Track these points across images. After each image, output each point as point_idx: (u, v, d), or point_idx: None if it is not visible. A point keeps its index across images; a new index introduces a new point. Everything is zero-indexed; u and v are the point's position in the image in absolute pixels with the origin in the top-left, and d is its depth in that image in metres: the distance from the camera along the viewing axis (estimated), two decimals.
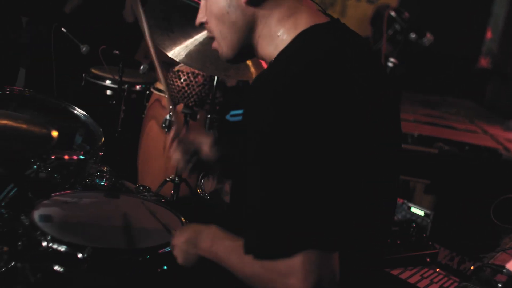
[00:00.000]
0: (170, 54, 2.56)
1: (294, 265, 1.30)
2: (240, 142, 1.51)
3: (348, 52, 1.49)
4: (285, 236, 1.32)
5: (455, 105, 4.95)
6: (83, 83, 3.94)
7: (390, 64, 3.14)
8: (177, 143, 2.04)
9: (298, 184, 1.31)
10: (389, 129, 1.56)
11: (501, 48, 5.89)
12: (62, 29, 3.63)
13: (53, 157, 2.02)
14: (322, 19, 1.55)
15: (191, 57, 2.58)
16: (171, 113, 3.36)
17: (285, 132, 1.31)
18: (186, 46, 2.60)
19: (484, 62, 6.02)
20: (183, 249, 1.67)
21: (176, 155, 2.06)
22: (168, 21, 2.66)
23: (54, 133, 1.65)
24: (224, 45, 1.61)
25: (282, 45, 1.50)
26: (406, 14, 3.29)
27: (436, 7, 6.02)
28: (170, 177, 3.26)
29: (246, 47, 1.60)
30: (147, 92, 3.88)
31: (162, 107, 3.65)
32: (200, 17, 1.64)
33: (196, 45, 2.63)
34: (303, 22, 1.52)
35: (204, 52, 2.65)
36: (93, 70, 4.00)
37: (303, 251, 1.30)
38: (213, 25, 1.60)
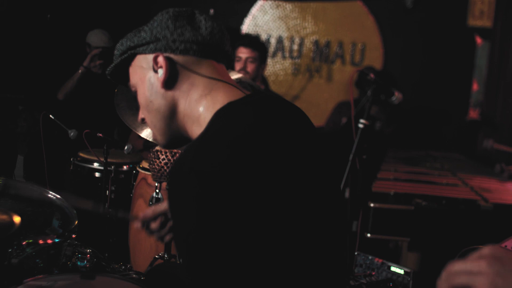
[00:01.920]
0: (142, 134, 2.64)
1: None
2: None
3: (263, 121, 1.55)
4: None
5: (441, 159, 4.99)
6: (71, 167, 4.02)
7: (360, 126, 3.20)
8: (146, 218, 2.10)
9: (228, 250, 1.36)
10: (320, 182, 1.61)
11: (487, 99, 5.97)
12: (50, 116, 3.73)
13: (24, 243, 2.07)
14: (237, 95, 1.62)
15: None
16: (157, 191, 3.46)
17: (210, 207, 1.36)
18: None
19: (473, 113, 6.08)
20: None
21: (152, 227, 2.12)
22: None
23: (16, 219, 1.69)
24: (156, 133, 1.71)
25: (204, 124, 1.57)
26: (371, 75, 3.37)
27: (421, 64, 6.13)
28: (160, 254, 3.31)
29: (176, 131, 1.68)
30: (134, 172, 3.95)
31: (148, 185, 3.71)
32: (140, 115, 1.75)
33: None
34: (219, 100, 1.60)
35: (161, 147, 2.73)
36: (80, 154, 4.09)
37: None
38: (145, 116, 1.71)
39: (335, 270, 1.68)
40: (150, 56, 1.64)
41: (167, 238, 2.15)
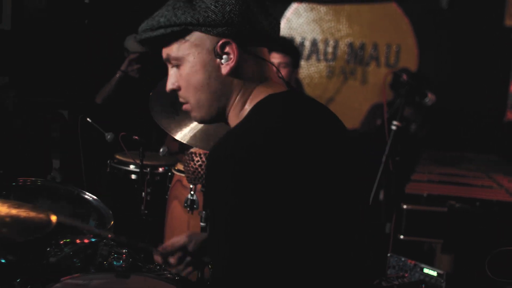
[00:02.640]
0: (177, 136, 2.68)
1: None
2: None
3: (300, 115, 1.61)
4: None
5: (476, 161, 4.94)
6: (108, 170, 4.10)
7: (393, 127, 3.20)
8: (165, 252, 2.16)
9: (261, 242, 1.40)
10: (349, 179, 1.65)
11: None
12: (88, 119, 3.81)
13: (61, 242, 2.13)
14: (278, 88, 1.66)
15: (196, 137, 2.69)
16: (192, 192, 3.51)
17: (245, 195, 1.40)
18: (191, 128, 2.73)
19: (511, 115, 6.00)
20: None
21: (171, 262, 2.22)
22: (173, 106, 2.80)
23: (53, 218, 1.75)
24: (201, 111, 1.70)
25: (244, 114, 1.62)
26: (404, 77, 3.37)
27: (457, 65, 6.07)
28: None
29: (218, 111, 1.69)
30: (169, 174, 4.01)
31: (183, 187, 3.77)
32: (171, 84, 1.72)
33: (200, 126, 2.76)
34: (263, 92, 1.63)
35: (207, 131, 2.76)
36: (117, 156, 4.17)
37: None
38: (189, 94, 1.68)
39: (360, 269, 1.71)
40: (215, 39, 1.61)
41: (184, 273, 2.22)
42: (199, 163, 3.18)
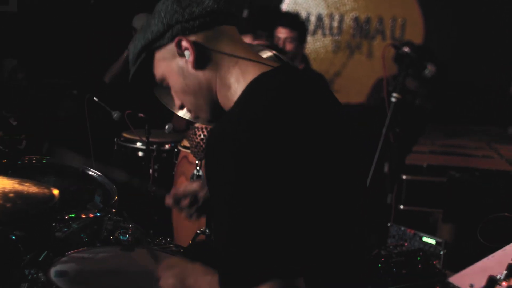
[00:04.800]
0: (179, 113, 2.73)
1: None
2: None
3: (296, 90, 1.62)
4: (250, 268, 1.41)
5: (480, 132, 4.95)
6: (115, 147, 4.17)
7: (393, 99, 3.22)
8: (177, 196, 2.21)
9: (261, 217, 1.41)
10: (350, 152, 1.67)
11: None
12: (94, 98, 3.87)
13: (66, 217, 2.20)
14: (266, 67, 1.66)
15: None
16: (197, 168, 3.57)
17: (246, 173, 1.42)
18: None
19: None
20: (169, 283, 1.76)
21: (182, 205, 2.22)
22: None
23: (55, 192, 1.82)
24: (200, 113, 1.73)
25: (235, 95, 1.62)
26: (404, 49, 3.38)
27: (462, 38, 6.05)
28: (201, 229, 3.43)
29: (216, 103, 1.70)
30: (175, 150, 4.07)
31: (189, 163, 3.83)
32: (177, 103, 1.77)
33: None
34: (250, 71, 1.64)
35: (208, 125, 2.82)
36: (124, 134, 4.23)
37: (267, 281, 1.38)
38: (185, 102, 1.73)
39: (364, 241, 1.75)
40: (171, 45, 1.65)
41: (194, 216, 2.26)
42: (201, 137, 3.24)
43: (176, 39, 1.64)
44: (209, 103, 1.70)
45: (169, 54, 1.67)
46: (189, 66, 1.65)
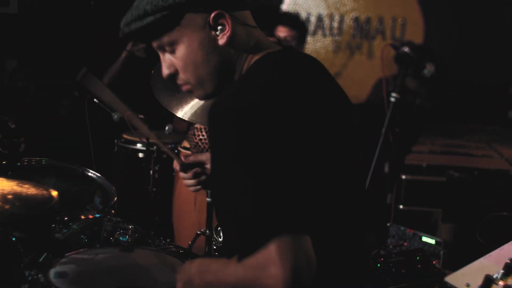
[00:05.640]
0: (178, 114, 2.74)
1: (270, 254, 1.35)
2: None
3: (301, 67, 1.65)
4: (258, 229, 1.39)
5: (480, 132, 4.96)
6: (116, 149, 4.17)
7: (392, 99, 3.23)
8: (182, 169, 2.27)
9: (265, 175, 1.41)
10: (350, 125, 1.70)
11: None
12: (95, 99, 3.87)
13: (66, 218, 2.21)
14: (275, 48, 1.69)
15: (196, 114, 2.75)
16: None
17: (252, 137, 1.43)
18: (192, 105, 2.78)
19: None
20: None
21: (187, 183, 2.28)
22: (175, 83, 2.85)
23: (54, 193, 1.82)
24: (205, 88, 1.70)
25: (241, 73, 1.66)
26: (403, 49, 3.39)
27: (463, 38, 6.06)
28: (201, 230, 3.43)
29: (225, 81, 1.69)
30: (176, 151, 4.07)
31: None
32: (167, 69, 1.71)
33: (200, 103, 2.81)
34: (258, 52, 1.66)
35: (208, 108, 2.82)
36: (124, 136, 4.24)
37: (275, 237, 1.36)
38: (189, 73, 1.67)
39: (363, 236, 1.75)
40: (204, 14, 1.61)
41: (198, 187, 2.30)
42: (199, 137, 3.26)
43: (216, 12, 1.60)
44: (220, 79, 1.69)
45: (198, 22, 1.62)
46: (219, 41, 1.63)
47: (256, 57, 1.66)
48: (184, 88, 1.73)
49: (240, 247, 1.43)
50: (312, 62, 1.76)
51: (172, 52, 1.68)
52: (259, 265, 1.38)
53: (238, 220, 1.42)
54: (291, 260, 1.34)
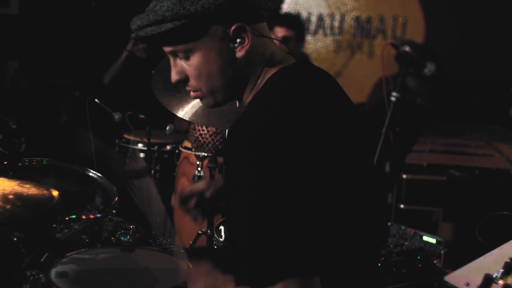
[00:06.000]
0: (179, 113, 2.74)
1: None
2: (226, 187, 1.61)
3: (315, 85, 1.65)
4: (268, 267, 1.41)
5: (480, 131, 4.96)
6: (117, 149, 4.17)
7: (392, 99, 3.23)
8: (181, 203, 2.22)
9: (278, 215, 1.42)
10: (362, 144, 1.70)
11: None
12: (96, 100, 3.88)
13: (66, 218, 2.21)
14: (288, 61, 1.69)
15: (197, 114, 2.75)
16: (199, 169, 3.58)
17: (265, 169, 1.43)
18: (192, 105, 2.79)
19: None
20: None
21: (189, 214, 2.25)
22: (175, 83, 2.87)
23: (55, 193, 1.83)
24: (217, 97, 1.70)
25: (257, 88, 1.65)
26: (403, 48, 3.39)
27: (464, 37, 6.05)
28: (203, 230, 3.44)
29: (236, 92, 1.71)
30: (177, 151, 4.08)
31: (190, 164, 3.84)
32: (178, 75, 1.69)
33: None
34: (272, 66, 1.66)
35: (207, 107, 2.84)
36: (125, 136, 4.24)
37: (284, 279, 1.39)
38: (202, 82, 1.66)
39: (374, 241, 1.75)
40: (224, 26, 1.60)
41: (199, 219, 2.27)
42: (199, 132, 3.29)
43: (237, 25, 1.59)
44: (232, 91, 1.70)
45: (217, 32, 1.61)
46: (237, 54, 1.62)
47: (271, 72, 1.66)
48: (193, 95, 1.72)
49: (247, 277, 1.45)
50: (324, 76, 1.76)
51: (187, 59, 1.66)
52: None
53: (247, 248, 1.44)
54: None
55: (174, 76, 1.70)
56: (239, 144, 1.48)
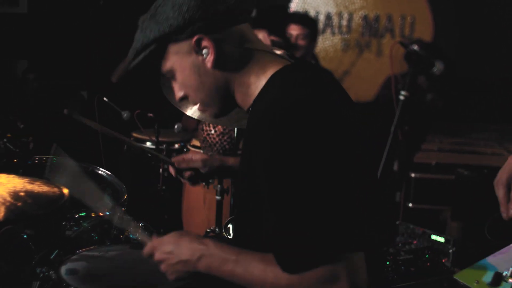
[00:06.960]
0: (188, 112, 2.75)
1: (339, 271, 1.40)
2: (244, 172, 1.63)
3: (321, 80, 1.65)
4: (324, 245, 1.42)
5: (489, 130, 4.94)
6: (125, 147, 4.19)
7: (401, 97, 3.23)
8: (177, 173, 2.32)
9: (317, 196, 1.43)
10: (364, 133, 1.70)
11: None
12: (104, 98, 3.89)
13: (76, 216, 2.23)
14: (284, 61, 1.69)
15: None
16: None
17: (292, 154, 1.44)
18: None
19: None
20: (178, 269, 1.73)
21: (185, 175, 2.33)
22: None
23: (65, 191, 1.84)
24: (211, 108, 1.75)
25: (256, 90, 1.65)
26: (412, 47, 3.39)
27: (472, 36, 6.03)
28: (211, 227, 3.45)
29: (228, 100, 1.73)
30: (185, 150, 4.09)
31: None
32: (177, 93, 1.78)
33: None
34: (269, 67, 1.66)
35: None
36: (134, 134, 4.26)
37: (344, 256, 1.41)
38: (194, 96, 1.73)
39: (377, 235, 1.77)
40: (188, 41, 1.63)
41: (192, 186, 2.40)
42: (207, 132, 3.30)
43: (196, 37, 1.62)
44: (222, 100, 1.72)
45: (183, 49, 1.66)
46: (207, 65, 1.65)
47: (269, 72, 1.65)
48: (198, 108, 1.78)
49: (299, 259, 1.44)
50: (326, 74, 1.77)
51: (173, 78, 1.74)
52: (326, 280, 1.41)
53: (298, 233, 1.44)
54: (357, 277, 1.41)
55: (176, 95, 1.80)
56: (262, 136, 1.49)
